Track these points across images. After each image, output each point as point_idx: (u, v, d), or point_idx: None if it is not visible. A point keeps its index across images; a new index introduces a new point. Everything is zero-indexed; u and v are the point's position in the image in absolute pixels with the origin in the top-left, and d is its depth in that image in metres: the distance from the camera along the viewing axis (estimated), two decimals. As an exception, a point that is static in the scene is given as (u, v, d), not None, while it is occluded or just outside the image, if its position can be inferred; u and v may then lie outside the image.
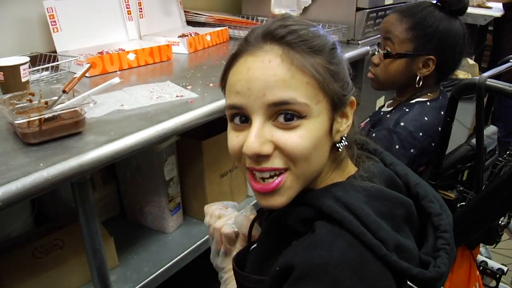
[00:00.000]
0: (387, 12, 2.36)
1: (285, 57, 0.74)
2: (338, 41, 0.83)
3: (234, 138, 0.79)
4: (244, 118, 0.78)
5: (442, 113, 1.41)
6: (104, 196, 1.66)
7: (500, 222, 1.43)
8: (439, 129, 1.38)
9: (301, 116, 0.74)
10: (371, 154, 0.90)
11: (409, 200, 0.80)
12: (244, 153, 0.76)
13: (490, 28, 3.93)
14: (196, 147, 1.55)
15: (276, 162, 0.75)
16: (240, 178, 1.78)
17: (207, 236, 1.61)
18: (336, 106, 0.78)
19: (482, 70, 4.53)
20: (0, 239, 1.40)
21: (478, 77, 1.16)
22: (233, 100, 0.77)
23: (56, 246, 1.39)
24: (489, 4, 3.84)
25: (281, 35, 0.76)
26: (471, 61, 3.69)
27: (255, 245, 0.91)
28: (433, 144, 1.38)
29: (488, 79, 1.16)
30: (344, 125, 0.81)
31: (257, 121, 0.75)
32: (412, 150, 1.35)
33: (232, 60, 0.80)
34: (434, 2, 1.48)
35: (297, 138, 0.74)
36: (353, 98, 0.81)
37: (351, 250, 0.71)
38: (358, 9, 2.19)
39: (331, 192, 0.77)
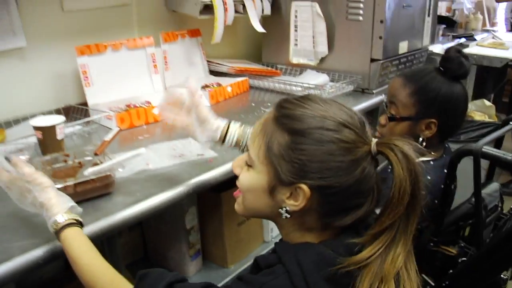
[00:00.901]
0: (402, 60, 2.45)
1: (265, 120, 0.94)
2: (336, 140, 0.87)
3: None
4: None
5: (445, 171, 1.49)
6: (129, 241, 1.78)
7: (502, 276, 1.49)
8: (442, 186, 1.46)
9: (249, 164, 0.96)
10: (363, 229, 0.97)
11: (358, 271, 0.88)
12: None
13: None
14: (216, 199, 1.65)
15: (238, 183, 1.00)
16: (256, 226, 1.88)
17: (226, 280, 1.72)
18: (279, 179, 0.90)
19: (503, 105, 4.53)
20: (34, 282, 1.51)
21: (474, 144, 1.25)
22: None
23: (84, 290, 1.49)
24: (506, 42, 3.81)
25: (280, 105, 0.94)
26: (487, 103, 3.73)
27: None
28: (436, 201, 1.46)
29: (484, 147, 1.25)
30: (291, 201, 0.91)
31: (244, 154, 1.00)
32: None
33: None
34: (437, 67, 1.57)
35: (242, 176, 0.98)
36: (303, 186, 0.87)
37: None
38: (372, 60, 2.28)
39: (294, 248, 0.89)
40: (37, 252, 1.01)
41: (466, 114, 1.54)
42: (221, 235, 1.72)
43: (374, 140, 0.91)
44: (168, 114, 1.30)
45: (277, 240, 1.01)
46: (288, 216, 0.92)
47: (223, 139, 1.27)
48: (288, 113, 0.91)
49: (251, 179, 0.95)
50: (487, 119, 3.57)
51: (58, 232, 1.00)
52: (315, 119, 0.89)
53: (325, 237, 0.94)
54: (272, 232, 1.95)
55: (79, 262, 0.98)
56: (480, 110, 3.67)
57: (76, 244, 0.99)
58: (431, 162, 1.52)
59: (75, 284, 1.47)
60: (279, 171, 0.90)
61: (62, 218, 1.00)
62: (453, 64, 1.52)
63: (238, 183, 1.00)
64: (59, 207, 1.02)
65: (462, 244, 1.45)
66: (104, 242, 1.25)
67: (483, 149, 1.25)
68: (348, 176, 0.87)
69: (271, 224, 1.93)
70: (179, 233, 1.66)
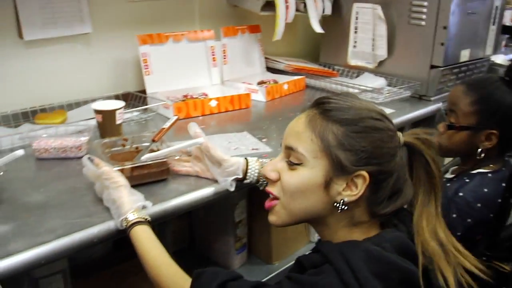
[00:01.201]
0: (462, 69, 2.39)
1: (310, 118, 0.95)
2: (385, 128, 0.94)
3: None
4: None
5: (503, 184, 1.45)
6: (176, 229, 1.80)
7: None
8: (499, 200, 1.42)
9: (297, 163, 0.94)
10: (400, 222, 1.00)
11: (411, 268, 0.89)
12: None
13: None
14: (266, 194, 1.65)
15: (274, 189, 0.99)
16: (302, 225, 1.85)
17: (270, 276, 1.72)
18: (338, 170, 0.91)
19: None
20: (84, 260, 1.55)
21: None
22: None
23: (132, 272, 1.53)
24: None
25: (320, 102, 0.96)
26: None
27: None
28: (491, 215, 1.42)
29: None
30: (347, 191, 0.92)
31: (278, 156, 1.00)
32: (469, 220, 1.40)
33: None
34: (502, 76, 1.52)
35: (290, 176, 0.95)
36: (364, 173, 0.91)
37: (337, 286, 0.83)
38: (432, 67, 2.23)
39: (340, 247, 0.89)
40: (93, 230, 1.04)
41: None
42: (268, 231, 1.72)
43: (399, 132, 0.98)
44: (178, 168, 1.31)
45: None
46: (345, 208, 0.93)
47: (244, 175, 1.25)
48: (334, 107, 0.94)
49: (302, 177, 0.94)
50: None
51: (128, 228, 1.05)
52: (362, 110, 0.94)
53: (369, 233, 0.95)
54: (319, 233, 1.94)
55: (146, 256, 1.02)
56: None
57: (145, 241, 1.03)
58: (489, 175, 1.48)
59: (124, 266, 1.51)
60: (339, 161, 0.91)
61: (132, 216, 1.05)
62: None
63: (275, 187, 0.99)
64: (130, 206, 1.07)
65: (521, 260, 1.41)
66: (155, 228, 1.27)
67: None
68: (393, 162, 0.94)
69: (318, 224, 1.92)
70: (227, 226, 1.67)
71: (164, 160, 1.23)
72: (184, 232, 1.85)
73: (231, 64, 2.25)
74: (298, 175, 0.94)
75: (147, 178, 1.22)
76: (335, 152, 0.91)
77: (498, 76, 1.53)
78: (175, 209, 1.17)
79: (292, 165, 0.95)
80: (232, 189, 1.25)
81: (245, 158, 1.26)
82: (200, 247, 1.84)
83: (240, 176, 1.24)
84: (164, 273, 1.00)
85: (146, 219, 1.08)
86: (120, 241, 1.68)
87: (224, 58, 2.22)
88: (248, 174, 1.25)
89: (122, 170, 1.16)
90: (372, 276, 0.83)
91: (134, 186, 1.19)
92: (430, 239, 0.94)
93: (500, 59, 3.08)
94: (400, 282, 0.87)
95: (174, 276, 0.99)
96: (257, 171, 1.26)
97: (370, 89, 2.14)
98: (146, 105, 1.83)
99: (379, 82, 2.30)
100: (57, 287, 1.31)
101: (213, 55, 2.16)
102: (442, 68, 2.23)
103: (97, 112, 1.49)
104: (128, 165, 1.18)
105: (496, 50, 2.88)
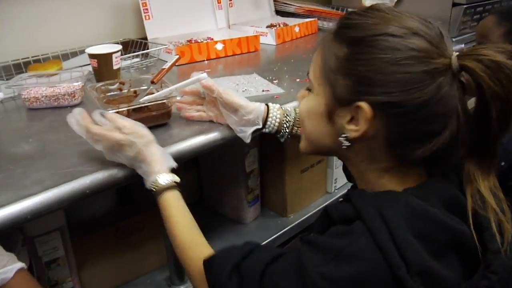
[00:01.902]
0: (486, 8, 2.24)
1: (324, 38, 0.82)
2: (404, 48, 0.72)
3: None
4: None
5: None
6: (185, 182, 1.68)
7: None
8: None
9: (309, 89, 0.86)
10: (452, 170, 0.83)
11: (462, 228, 0.74)
12: None
13: None
14: (279, 142, 1.53)
15: None
16: (320, 175, 1.76)
17: (284, 229, 1.62)
18: (338, 99, 0.78)
19: None
20: (87, 217, 1.46)
21: None
22: None
23: (137, 228, 1.44)
24: None
25: (340, 18, 0.82)
26: None
27: None
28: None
29: None
30: (351, 126, 0.77)
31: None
32: (502, 163, 1.27)
33: None
34: None
35: (302, 102, 0.88)
36: (363, 104, 0.74)
37: (368, 253, 0.69)
38: (454, 4, 2.09)
39: (376, 199, 0.75)
40: (84, 181, 0.93)
41: None
42: (282, 181, 1.61)
43: (455, 53, 0.74)
44: (191, 113, 1.18)
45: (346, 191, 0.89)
46: (348, 144, 0.79)
47: (263, 124, 1.13)
48: (348, 23, 0.78)
49: (309, 104, 0.85)
50: None
51: (158, 192, 0.96)
52: (379, 26, 0.74)
53: (410, 182, 0.79)
54: (336, 183, 1.83)
55: (174, 229, 0.95)
56: None
57: (175, 211, 0.96)
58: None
59: (129, 222, 1.42)
60: (336, 89, 0.77)
61: (164, 179, 0.96)
62: None
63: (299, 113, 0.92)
64: (161, 166, 0.97)
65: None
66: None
67: None
68: (419, 92, 0.71)
69: (336, 174, 1.81)
70: (237, 177, 1.56)
71: (164, 101, 1.11)
72: (193, 185, 1.75)
73: (237, 7, 2.11)
74: (306, 101, 0.86)
75: (146, 123, 1.08)
76: (333, 77, 0.77)
77: None
78: (178, 155, 1.05)
79: (308, 91, 0.87)
80: (249, 140, 1.13)
81: (266, 104, 1.14)
82: (209, 201, 1.73)
83: (260, 126, 1.12)
84: (190, 255, 0.93)
85: (177, 182, 0.98)
86: (125, 196, 1.62)
87: (230, 0, 2.07)
88: (268, 123, 1.13)
89: (117, 113, 1.04)
90: (413, 237, 0.69)
91: (131, 132, 1.08)
92: (488, 194, 0.77)
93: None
94: (447, 244, 0.72)
95: (199, 260, 0.89)
96: (278, 120, 1.14)
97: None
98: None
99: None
100: (55, 246, 1.21)
101: (218, -4, 2.02)
102: (465, 6, 2.09)
103: (92, 56, 1.37)
104: (124, 108, 1.06)
105: (525, -10, 2.74)
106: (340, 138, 0.79)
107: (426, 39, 0.73)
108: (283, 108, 1.16)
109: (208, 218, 1.67)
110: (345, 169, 1.06)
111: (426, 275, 0.69)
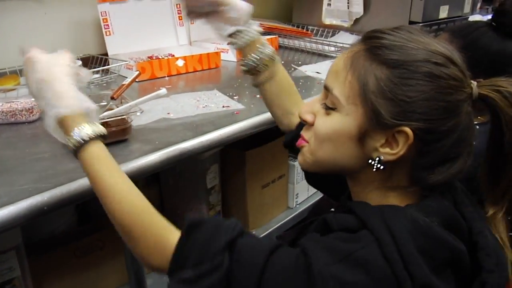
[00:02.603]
0: (441, 26, 2.30)
1: (354, 54, 0.78)
2: (446, 76, 0.74)
3: None
4: None
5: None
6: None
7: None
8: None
9: (332, 107, 0.79)
10: (446, 189, 0.84)
11: (460, 247, 0.75)
12: None
13: None
14: (240, 157, 1.55)
15: (307, 134, 0.85)
16: (281, 190, 1.77)
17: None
18: (376, 122, 0.76)
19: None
20: (44, 237, 1.43)
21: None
22: None
23: (96, 247, 1.42)
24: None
25: (368, 36, 0.79)
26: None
27: None
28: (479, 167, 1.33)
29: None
30: (385, 149, 0.77)
31: (318, 96, 0.85)
32: None
33: None
34: (489, 22, 1.42)
35: (321, 122, 0.81)
36: (407, 130, 0.74)
37: (377, 261, 0.69)
38: (411, 23, 2.15)
39: (381, 211, 0.75)
40: (42, 197, 0.91)
41: (520, 75, 1.39)
42: (243, 197, 1.61)
43: (474, 82, 0.78)
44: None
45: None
46: (381, 167, 0.77)
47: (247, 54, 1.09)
48: (384, 43, 0.76)
49: (335, 124, 0.79)
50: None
51: (79, 146, 0.81)
52: (419, 51, 0.75)
53: (409, 200, 0.80)
54: (298, 198, 1.84)
55: (112, 197, 0.80)
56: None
57: (106, 168, 0.82)
58: (477, 127, 1.39)
59: (89, 240, 1.39)
60: (378, 111, 0.74)
61: (88, 128, 0.82)
62: (509, 18, 1.37)
63: (308, 131, 0.85)
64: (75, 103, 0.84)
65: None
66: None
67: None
68: (454, 119, 0.74)
69: (297, 189, 1.82)
70: (199, 193, 1.56)
71: (124, 117, 1.10)
72: (154, 201, 1.68)
73: (198, 24, 2.09)
74: (330, 121, 0.80)
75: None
76: (374, 99, 0.74)
77: (484, 22, 1.43)
78: (139, 171, 1.04)
79: (327, 109, 0.81)
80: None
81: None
82: (171, 218, 1.71)
83: (242, 28, 1.07)
84: (139, 222, 0.79)
85: (103, 133, 0.85)
86: (85, 214, 1.59)
87: (191, 17, 2.07)
88: (240, 33, 1.08)
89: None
90: (417, 252, 0.70)
91: (91, 147, 1.07)
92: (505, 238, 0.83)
93: (477, 19, 3.02)
94: (447, 262, 0.74)
95: (153, 225, 0.80)
96: (251, 38, 1.08)
97: (348, 46, 2.02)
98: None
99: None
100: (10, 265, 1.18)
101: (179, 13, 2.01)
102: (421, 24, 2.14)
103: (51, 72, 1.35)
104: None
105: (473, 11, 2.83)
106: (371, 161, 0.78)
107: (460, 68, 0.77)
108: (263, 39, 1.11)
109: (170, 235, 1.66)
110: (309, 178, 1.07)
111: None
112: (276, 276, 0.71)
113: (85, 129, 0.82)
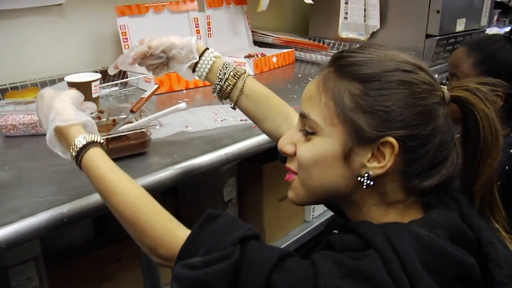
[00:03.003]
0: (458, 39, 2.30)
1: (324, 77, 0.79)
2: (417, 81, 0.75)
3: None
4: None
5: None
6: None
7: None
8: (507, 167, 1.32)
9: (311, 132, 0.79)
10: (450, 200, 0.84)
11: (468, 260, 0.74)
12: None
13: None
14: (257, 171, 1.55)
15: (292, 165, 0.83)
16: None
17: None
18: (358, 138, 0.76)
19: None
20: (62, 247, 1.44)
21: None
22: None
23: (114, 258, 1.42)
24: None
25: (336, 57, 0.79)
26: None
27: None
28: (498, 183, 1.31)
29: None
30: (373, 163, 0.76)
31: (295, 126, 0.84)
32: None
33: None
34: (507, 35, 1.42)
35: (304, 148, 0.80)
36: (391, 139, 0.74)
37: (385, 277, 0.68)
38: (427, 36, 2.14)
39: (384, 230, 0.74)
40: (62, 209, 0.92)
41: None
42: (260, 210, 1.61)
43: (444, 86, 0.79)
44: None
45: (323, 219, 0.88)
46: (371, 183, 0.77)
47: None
48: (351, 61, 0.77)
49: (318, 148, 0.78)
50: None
51: (80, 153, 0.85)
52: (387, 62, 0.76)
53: (413, 215, 0.80)
54: (314, 211, 1.84)
55: (114, 189, 0.83)
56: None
57: (107, 169, 0.85)
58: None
59: (105, 252, 1.40)
60: (358, 127, 0.75)
61: (85, 137, 0.86)
62: None
63: (293, 162, 0.83)
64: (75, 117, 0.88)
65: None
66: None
67: None
68: (433, 123, 0.75)
69: (313, 203, 1.82)
70: (216, 206, 1.56)
71: (143, 130, 1.11)
72: (171, 214, 1.73)
73: (216, 37, 2.12)
74: (312, 146, 0.79)
75: (125, 152, 1.10)
76: (352, 115, 0.75)
77: (502, 35, 1.43)
78: (157, 185, 1.05)
79: (307, 135, 0.80)
80: (189, 78, 1.15)
81: (206, 48, 1.11)
82: (188, 230, 1.72)
83: (196, 60, 1.09)
84: (144, 211, 0.82)
85: (100, 141, 0.88)
86: (102, 226, 1.60)
87: (209, 31, 2.09)
88: (199, 65, 1.09)
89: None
90: (423, 269, 0.69)
91: (110, 160, 1.08)
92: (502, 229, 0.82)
93: (494, 31, 3.01)
94: (455, 277, 0.72)
95: (158, 215, 0.83)
96: (209, 65, 1.09)
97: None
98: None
99: (372, 54, 2.18)
100: (29, 276, 1.19)
101: (197, 27, 2.03)
102: (438, 37, 2.13)
103: (71, 85, 1.37)
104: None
105: (490, 24, 2.82)
106: (362, 179, 0.77)
107: (428, 73, 0.77)
108: (224, 60, 1.11)
109: (186, 248, 1.66)
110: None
111: None
112: (284, 281, 0.70)
113: (84, 137, 0.86)
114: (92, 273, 1.37)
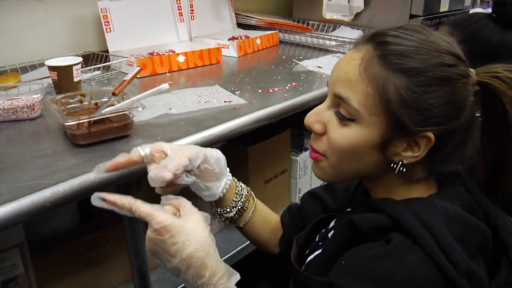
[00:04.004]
0: (442, 19, 2.29)
1: (366, 61, 0.76)
2: (458, 76, 0.76)
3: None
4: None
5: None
6: (149, 195, 1.66)
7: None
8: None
9: (350, 118, 0.78)
10: (456, 178, 0.86)
11: (487, 229, 0.77)
12: None
13: None
14: (242, 153, 1.54)
15: (319, 145, 0.83)
16: (284, 185, 1.76)
17: (248, 242, 1.61)
18: (398, 130, 0.76)
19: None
20: (47, 234, 1.43)
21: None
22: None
23: (100, 243, 1.41)
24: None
25: (380, 41, 0.77)
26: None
27: (319, 251, 0.91)
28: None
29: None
30: (408, 153, 0.78)
31: (325, 103, 0.83)
32: None
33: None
34: (489, 13, 1.42)
35: (339, 134, 0.79)
36: (430, 134, 0.75)
37: (420, 267, 0.70)
38: (412, 16, 2.14)
39: (411, 207, 0.76)
40: (44, 193, 0.90)
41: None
42: (246, 192, 1.61)
43: (472, 70, 0.80)
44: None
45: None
46: (404, 170, 0.79)
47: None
48: (397, 50, 0.75)
49: (357, 136, 0.78)
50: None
51: None
52: (432, 53, 0.75)
53: (431, 189, 0.83)
54: (300, 193, 1.84)
55: None
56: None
57: None
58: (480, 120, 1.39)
59: (92, 237, 1.39)
60: (401, 122, 0.75)
61: None
62: (508, 9, 1.36)
63: (321, 142, 0.82)
64: (222, 274, 0.81)
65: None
66: (121, 193, 1.14)
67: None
68: (466, 115, 0.77)
69: (300, 184, 1.82)
70: (201, 189, 1.55)
71: (126, 112, 1.10)
72: (158, 199, 1.71)
73: (199, 20, 2.10)
74: (350, 134, 0.78)
75: (108, 134, 1.08)
76: (397, 110, 0.74)
77: (484, 13, 1.43)
78: (141, 167, 1.03)
79: (343, 120, 0.79)
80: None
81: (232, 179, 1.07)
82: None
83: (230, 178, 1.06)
84: None
85: None
86: (87, 212, 1.58)
87: (192, 13, 2.07)
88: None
89: (78, 125, 1.03)
90: (455, 241, 0.71)
91: (92, 143, 1.07)
92: None
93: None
94: (480, 246, 0.76)
95: None
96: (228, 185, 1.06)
97: (348, 40, 2.02)
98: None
99: (357, 35, 2.18)
100: (14, 263, 1.18)
101: (180, 9, 2.01)
102: (422, 18, 2.13)
103: (52, 69, 1.35)
104: (84, 119, 1.04)
105: (474, 4, 2.83)
106: (394, 165, 0.79)
107: (466, 64, 0.79)
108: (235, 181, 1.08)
109: (173, 231, 1.65)
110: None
111: (471, 276, 0.71)
112: None
113: None
114: (78, 259, 1.36)
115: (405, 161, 0.78)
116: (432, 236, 0.71)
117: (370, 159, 0.80)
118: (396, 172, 0.79)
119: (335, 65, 0.82)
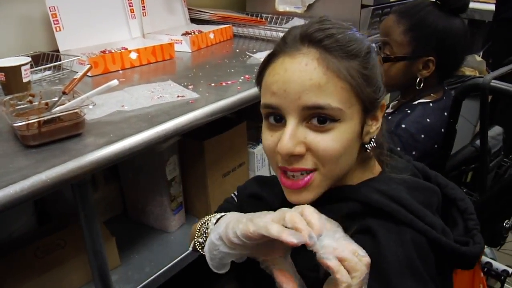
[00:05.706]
0: (393, 8, 2.33)
1: (321, 61, 0.76)
2: (373, 44, 0.83)
3: (268, 137, 0.82)
4: (278, 118, 0.80)
5: (445, 114, 1.39)
6: (106, 195, 1.66)
7: (504, 224, 1.41)
8: (442, 130, 1.36)
9: (334, 119, 0.76)
10: (391, 153, 0.93)
11: (438, 189, 0.84)
12: (277, 153, 0.78)
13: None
14: (198, 147, 1.54)
15: (306, 163, 0.78)
16: (242, 178, 1.77)
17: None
18: (368, 110, 0.80)
19: (491, 65, 4.44)
20: (3, 239, 1.40)
21: (482, 78, 1.15)
22: (269, 100, 0.80)
23: (58, 246, 1.39)
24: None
25: (318, 39, 0.77)
26: (478, 58, 3.63)
27: None
28: (436, 146, 1.36)
29: (492, 80, 1.15)
30: (374, 127, 0.83)
31: (292, 122, 0.77)
32: (413, 152, 1.34)
33: (269, 60, 0.82)
34: (434, 0, 1.46)
35: (329, 141, 0.76)
36: (383, 102, 0.83)
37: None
38: (363, 6, 2.17)
39: (374, 187, 0.80)
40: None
41: (466, 51, 1.43)
42: (204, 186, 1.61)
43: None
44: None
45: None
46: (374, 145, 0.85)
47: None
48: (336, 40, 0.77)
49: (346, 134, 0.77)
50: (477, 75, 3.50)
51: None
52: (363, 37, 0.82)
53: (378, 167, 0.89)
54: (259, 185, 1.84)
55: None
56: (471, 66, 3.59)
57: None
58: (431, 104, 1.42)
59: (48, 240, 1.37)
60: (372, 99, 0.80)
61: None
62: None
63: (307, 160, 0.78)
64: None
65: (464, 190, 1.36)
66: (76, 193, 1.13)
67: (491, 83, 1.14)
68: None
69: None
70: (159, 185, 1.54)
71: (76, 111, 1.08)
72: (115, 197, 1.71)
73: (151, 16, 2.08)
74: (340, 134, 0.77)
75: (59, 134, 1.07)
76: (365, 90, 0.78)
77: (429, 1, 1.47)
78: (95, 165, 1.02)
79: (325, 125, 0.76)
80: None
81: None
82: (133, 213, 1.70)
83: None
84: None
85: None
86: (45, 214, 1.56)
87: (143, 10, 2.04)
88: None
89: (27, 126, 1.01)
90: (424, 209, 0.78)
91: (44, 144, 1.05)
92: None
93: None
94: (437, 208, 0.83)
95: None
96: None
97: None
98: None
99: (310, 26, 2.19)
100: (-33, 269, 1.15)
101: (131, 6, 1.98)
102: (373, 7, 2.17)
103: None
104: (34, 119, 1.03)
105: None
106: (368, 146, 0.83)
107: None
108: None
109: (133, 230, 1.64)
110: None
111: (445, 232, 0.78)
112: None
113: None
114: (36, 262, 1.34)
115: (374, 137, 0.83)
116: (404, 207, 0.76)
117: (355, 151, 0.82)
118: (369, 150, 0.84)
119: (279, 82, 0.78)
